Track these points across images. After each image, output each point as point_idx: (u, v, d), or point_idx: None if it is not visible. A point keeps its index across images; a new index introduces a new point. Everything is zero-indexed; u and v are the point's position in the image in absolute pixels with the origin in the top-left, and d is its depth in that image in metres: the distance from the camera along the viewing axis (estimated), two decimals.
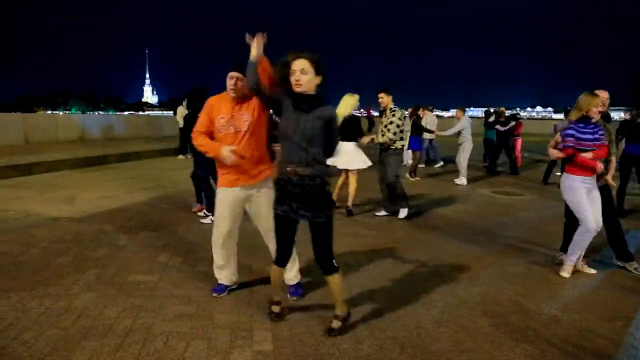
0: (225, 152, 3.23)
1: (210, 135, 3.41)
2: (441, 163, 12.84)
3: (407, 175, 10.36)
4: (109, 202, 6.91)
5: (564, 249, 4.59)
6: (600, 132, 4.15)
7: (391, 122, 6.18)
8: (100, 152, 11.35)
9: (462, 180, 9.87)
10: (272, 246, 3.40)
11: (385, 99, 6.33)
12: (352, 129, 6.26)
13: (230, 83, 3.31)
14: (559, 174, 9.84)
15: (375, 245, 5.12)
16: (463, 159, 9.93)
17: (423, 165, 12.50)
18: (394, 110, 6.23)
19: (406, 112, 10.29)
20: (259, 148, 3.40)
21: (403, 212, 6.42)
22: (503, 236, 5.71)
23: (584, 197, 4.20)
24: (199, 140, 3.40)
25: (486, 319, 3.37)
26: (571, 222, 4.54)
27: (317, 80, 2.86)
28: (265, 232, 3.54)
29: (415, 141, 10.37)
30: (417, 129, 10.33)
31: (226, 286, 3.72)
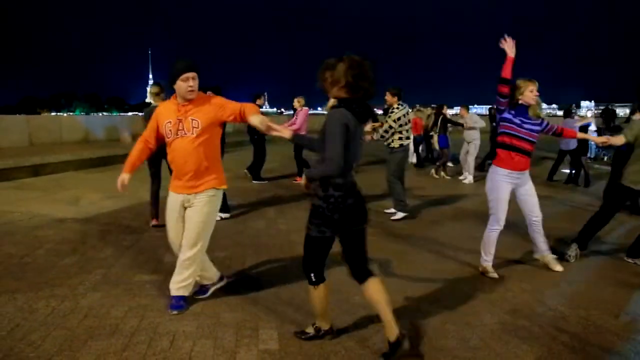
0: (119, 179, 3.39)
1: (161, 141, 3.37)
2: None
3: (433, 172, 10.32)
4: (114, 202, 6.93)
5: (579, 239, 4.70)
6: (532, 122, 4.07)
7: (385, 121, 6.27)
8: (104, 153, 11.38)
9: (469, 178, 9.86)
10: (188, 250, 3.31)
11: (389, 98, 6.36)
12: None
13: (188, 85, 3.11)
14: (567, 170, 9.85)
15: (379, 243, 5.11)
16: (472, 156, 9.92)
17: (451, 165, 12.54)
18: (393, 110, 6.23)
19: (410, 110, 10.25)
20: (208, 158, 3.24)
21: (398, 215, 6.26)
22: (508, 233, 5.67)
23: (503, 194, 4.10)
24: (134, 147, 3.42)
25: (492, 316, 3.36)
26: (601, 217, 4.61)
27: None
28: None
29: (443, 139, 10.27)
30: (445, 125, 10.30)
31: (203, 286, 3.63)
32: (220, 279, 3.71)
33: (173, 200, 3.33)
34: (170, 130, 3.20)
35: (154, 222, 5.63)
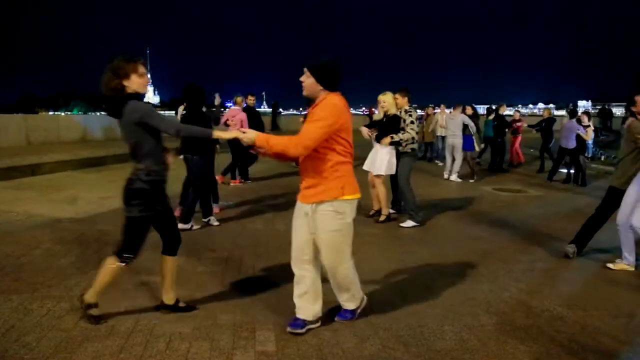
0: None
1: None
2: (442, 163, 12.82)
3: (471, 180, 9.96)
4: (111, 202, 6.89)
5: (576, 241, 4.69)
6: None
7: (412, 122, 5.98)
8: (102, 153, 11.34)
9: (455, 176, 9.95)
10: None
11: (400, 100, 6.20)
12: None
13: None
14: (565, 170, 9.87)
15: (377, 244, 5.11)
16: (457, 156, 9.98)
17: (441, 164, 12.56)
18: (409, 112, 6.04)
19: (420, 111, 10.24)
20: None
21: (410, 222, 5.94)
22: (506, 234, 5.69)
23: None
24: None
25: (490, 317, 3.36)
26: (596, 218, 4.62)
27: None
28: None
29: (469, 140, 10.03)
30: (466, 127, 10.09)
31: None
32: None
33: None
34: None
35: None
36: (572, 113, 10.18)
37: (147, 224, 3.15)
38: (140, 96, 3.03)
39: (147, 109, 2.97)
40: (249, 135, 2.84)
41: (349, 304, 3.22)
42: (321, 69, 2.84)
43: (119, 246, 3.16)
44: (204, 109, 5.87)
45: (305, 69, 2.87)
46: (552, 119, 11.93)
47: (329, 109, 2.80)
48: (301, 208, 3.01)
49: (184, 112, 5.95)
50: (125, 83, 2.97)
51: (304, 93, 2.92)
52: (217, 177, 7.01)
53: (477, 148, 10.39)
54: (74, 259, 4.41)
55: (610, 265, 4.44)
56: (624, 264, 4.40)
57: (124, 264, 3.14)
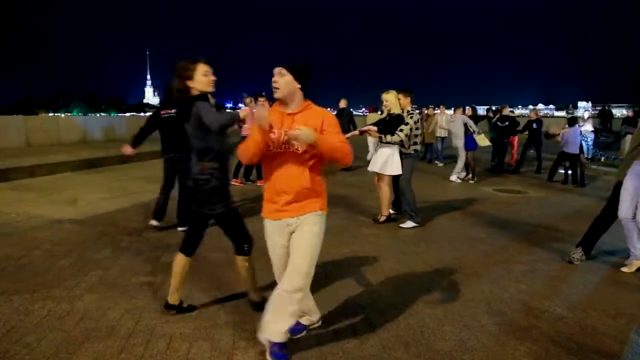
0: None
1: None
2: (442, 164, 12.85)
3: (471, 180, 10.04)
4: (111, 203, 6.91)
5: (583, 243, 4.65)
6: None
7: (406, 124, 5.89)
8: (102, 154, 11.34)
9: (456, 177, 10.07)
10: None
11: (402, 100, 6.17)
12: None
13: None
14: (562, 171, 9.88)
15: (378, 244, 5.11)
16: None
17: (441, 165, 12.60)
18: (411, 113, 5.98)
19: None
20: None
21: (409, 223, 5.95)
22: (506, 234, 5.69)
23: None
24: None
25: (490, 318, 3.36)
26: (603, 218, 4.60)
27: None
28: None
29: (471, 140, 9.99)
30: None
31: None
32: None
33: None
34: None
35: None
36: (572, 121, 10.16)
37: (238, 215, 3.30)
38: (205, 96, 3.10)
39: (203, 106, 3.02)
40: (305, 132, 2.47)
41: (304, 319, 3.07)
42: (296, 66, 2.63)
43: (241, 242, 3.29)
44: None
45: (278, 69, 2.61)
46: (539, 120, 12.06)
47: (332, 115, 2.72)
48: (280, 224, 2.72)
49: (175, 112, 5.79)
50: (190, 84, 3.05)
51: (279, 95, 2.61)
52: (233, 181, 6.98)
53: (481, 143, 10.21)
54: (74, 259, 4.42)
55: (625, 269, 4.38)
56: (636, 261, 4.38)
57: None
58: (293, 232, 2.71)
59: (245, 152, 2.62)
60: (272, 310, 2.66)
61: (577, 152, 9.56)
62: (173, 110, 5.19)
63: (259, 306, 3.20)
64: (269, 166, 2.69)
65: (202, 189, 3.09)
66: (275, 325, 2.64)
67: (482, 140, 10.06)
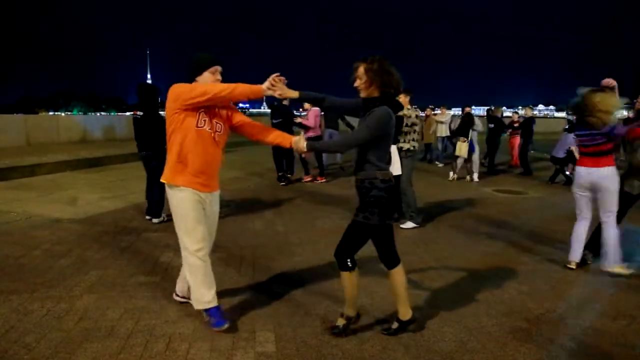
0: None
1: None
2: (442, 164, 12.83)
3: (468, 178, 10.17)
4: (111, 203, 6.90)
5: (589, 247, 4.59)
6: None
7: (413, 129, 5.97)
8: (102, 153, 11.35)
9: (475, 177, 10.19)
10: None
11: (402, 100, 6.13)
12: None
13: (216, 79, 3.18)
14: (568, 173, 9.86)
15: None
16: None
17: (441, 165, 12.62)
18: (408, 116, 5.97)
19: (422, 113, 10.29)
20: None
21: (410, 224, 5.97)
22: (506, 235, 5.68)
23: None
24: None
25: (490, 319, 3.35)
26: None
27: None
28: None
29: (471, 141, 10.08)
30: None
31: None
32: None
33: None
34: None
35: None
36: (572, 128, 10.15)
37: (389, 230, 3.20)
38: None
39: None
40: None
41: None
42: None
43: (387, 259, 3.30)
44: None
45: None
46: (531, 119, 12.12)
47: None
48: (208, 197, 3.12)
49: (141, 114, 5.77)
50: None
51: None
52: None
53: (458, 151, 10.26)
54: (73, 259, 4.41)
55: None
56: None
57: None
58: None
59: None
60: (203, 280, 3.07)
61: (562, 157, 9.61)
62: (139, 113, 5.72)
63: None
64: None
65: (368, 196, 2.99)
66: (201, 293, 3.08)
67: (460, 148, 9.97)
